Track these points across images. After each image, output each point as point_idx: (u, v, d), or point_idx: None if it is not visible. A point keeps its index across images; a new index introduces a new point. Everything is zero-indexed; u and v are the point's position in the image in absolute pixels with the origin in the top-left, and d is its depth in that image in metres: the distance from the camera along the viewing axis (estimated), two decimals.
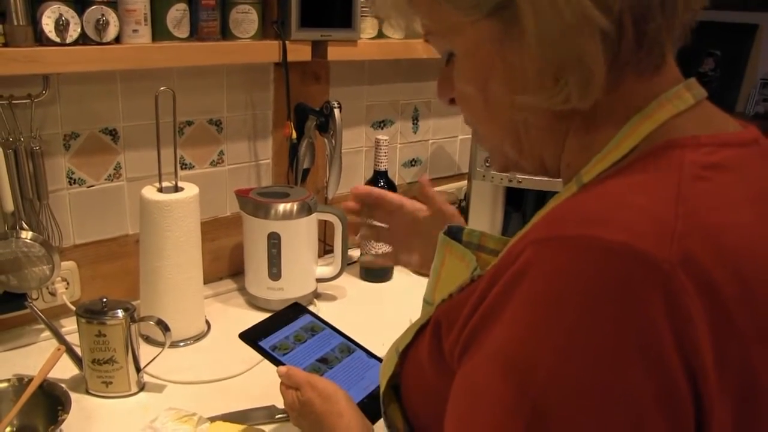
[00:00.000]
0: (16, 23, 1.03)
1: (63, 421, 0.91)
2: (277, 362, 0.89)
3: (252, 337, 0.93)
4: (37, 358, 1.08)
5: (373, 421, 0.78)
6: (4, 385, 0.97)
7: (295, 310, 1.02)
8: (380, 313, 1.37)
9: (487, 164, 1.51)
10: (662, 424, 0.42)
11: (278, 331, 0.96)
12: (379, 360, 0.95)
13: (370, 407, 0.80)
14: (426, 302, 0.74)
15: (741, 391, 0.45)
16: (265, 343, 0.93)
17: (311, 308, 1.39)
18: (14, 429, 0.96)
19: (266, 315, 1.01)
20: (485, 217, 1.60)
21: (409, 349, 0.65)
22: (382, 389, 0.67)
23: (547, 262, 0.45)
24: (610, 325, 0.42)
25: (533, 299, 0.45)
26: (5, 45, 1.04)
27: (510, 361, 0.45)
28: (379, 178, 1.51)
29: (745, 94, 2.76)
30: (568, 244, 0.45)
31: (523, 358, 0.44)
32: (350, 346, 0.97)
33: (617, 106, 0.53)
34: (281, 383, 0.84)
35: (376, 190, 0.95)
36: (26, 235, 1.14)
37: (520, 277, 0.46)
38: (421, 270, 0.95)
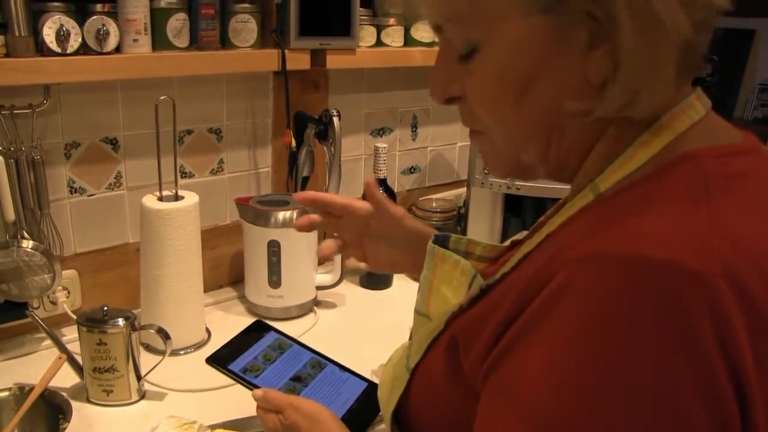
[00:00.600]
0: (17, 34, 1.04)
1: (64, 429, 0.92)
2: (250, 385, 0.87)
3: (220, 361, 0.90)
4: (38, 366, 1.09)
5: None
6: (5, 394, 0.98)
7: (259, 327, 1.00)
8: (380, 321, 1.37)
9: (486, 171, 1.52)
10: (708, 426, 0.42)
11: (245, 352, 0.93)
12: (351, 372, 0.94)
13: (352, 423, 0.79)
14: (419, 313, 0.73)
15: None
16: (235, 366, 0.90)
17: (308, 317, 1.40)
18: None
19: (234, 335, 0.99)
20: (484, 224, 1.61)
21: (418, 365, 0.63)
22: (391, 407, 0.65)
23: (589, 280, 0.45)
24: (659, 344, 0.42)
25: (579, 319, 0.45)
26: (7, 55, 1.05)
27: (554, 380, 0.45)
28: (378, 185, 1.51)
29: (744, 99, 2.77)
30: (612, 262, 0.44)
31: (568, 378, 0.44)
32: (321, 361, 0.95)
33: None
34: (257, 407, 0.81)
35: (320, 196, 0.90)
36: (27, 244, 1.15)
37: (559, 297, 0.46)
38: (374, 269, 0.92)
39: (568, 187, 0.61)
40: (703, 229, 0.45)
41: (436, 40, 0.60)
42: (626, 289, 0.43)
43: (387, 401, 0.66)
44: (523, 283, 0.50)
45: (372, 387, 0.91)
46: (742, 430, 0.44)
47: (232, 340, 0.95)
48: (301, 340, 1.27)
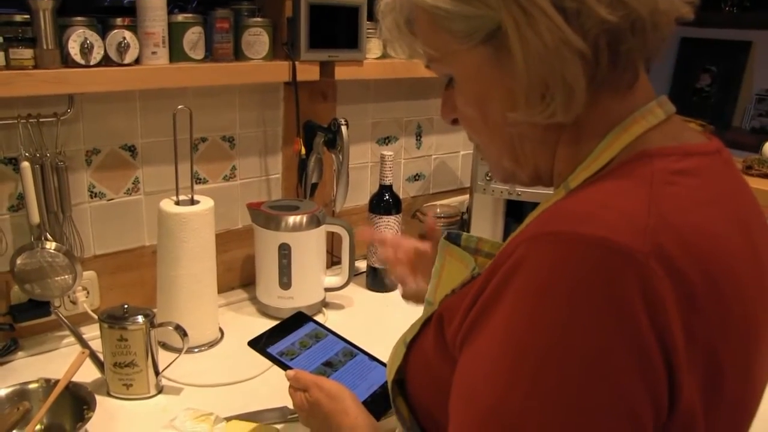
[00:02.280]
0: (45, 47, 1.10)
1: (89, 419, 0.96)
2: (285, 366, 0.94)
3: (260, 344, 0.98)
4: (60, 362, 1.14)
5: (378, 418, 0.83)
6: (34, 386, 1.03)
7: (300, 318, 1.06)
8: (386, 321, 1.42)
9: (488, 178, 1.58)
10: (642, 393, 0.48)
11: (285, 338, 1.01)
12: (380, 362, 1.00)
13: (374, 405, 0.86)
14: (428, 302, 0.80)
15: (706, 371, 0.51)
16: (273, 350, 0.98)
17: (317, 317, 1.45)
18: (43, 427, 1.01)
19: (277, 323, 1.05)
20: (487, 228, 1.66)
21: (414, 341, 0.71)
22: (390, 379, 0.73)
23: (538, 255, 0.52)
24: (593, 309, 0.48)
25: (528, 287, 0.52)
26: (35, 67, 1.11)
27: (510, 341, 0.52)
28: (384, 191, 1.57)
29: (741, 108, 2.82)
30: (555, 239, 0.51)
31: (521, 338, 0.51)
32: (352, 350, 1.02)
33: (598, 121, 0.60)
34: (290, 386, 0.89)
35: (375, 237, 1.02)
36: (50, 245, 1.21)
37: (515, 270, 0.53)
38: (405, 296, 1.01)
39: None
40: (640, 214, 0.52)
41: None
42: (566, 262, 0.50)
43: (389, 372, 0.74)
44: (493, 263, 0.58)
45: None
46: (668, 395, 0.50)
47: (273, 327, 1.02)
48: None
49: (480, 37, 0.59)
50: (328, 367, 0.97)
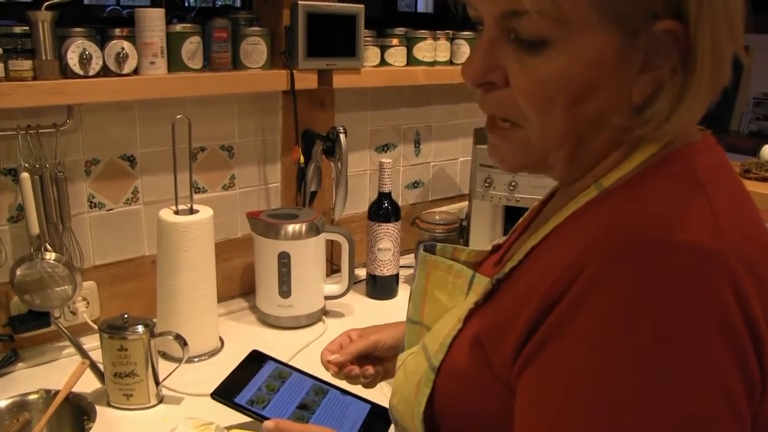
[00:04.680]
0: (44, 58, 1.11)
1: (90, 429, 0.97)
2: (260, 417, 0.87)
3: (225, 394, 0.91)
4: (59, 373, 1.14)
5: None
6: (34, 397, 1.04)
7: (257, 358, 1.00)
8: None
9: (487, 184, 1.58)
10: (743, 392, 0.48)
11: (249, 383, 0.94)
12: (353, 396, 0.95)
13: None
14: (412, 322, 0.76)
15: None
16: (241, 399, 0.91)
17: (317, 326, 1.45)
18: None
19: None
20: (486, 235, 1.66)
21: (442, 363, 0.65)
22: (421, 408, 0.66)
23: (623, 269, 0.49)
24: (695, 316, 0.48)
25: (618, 303, 0.49)
26: (35, 78, 1.11)
27: (605, 362, 0.49)
28: (383, 199, 1.57)
29: (739, 112, 2.83)
30: (639, 250, 0.49)
31: (619, 357, 0.48)
32: (322, 386, 0.96)
33: None
34: None
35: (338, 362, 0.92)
36: (50, 256, 1.21)
37: (594, 286, 0.50)
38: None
39: None
40: (707, 213, 0.51)
41: (480, 30, 0.59)
42: (658, 273, 0.48)
43: (412, 404, 0.67)
44: (549, 277, 0.53)
45: (375, 408, 0.94)
46: (761, 384, 0.50)
47: (233, 372, 0.96)
48: (311, 348, 1.34)
49: (629, 27, 0.52)
50: (304, 410, 0.91)
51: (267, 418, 0.84)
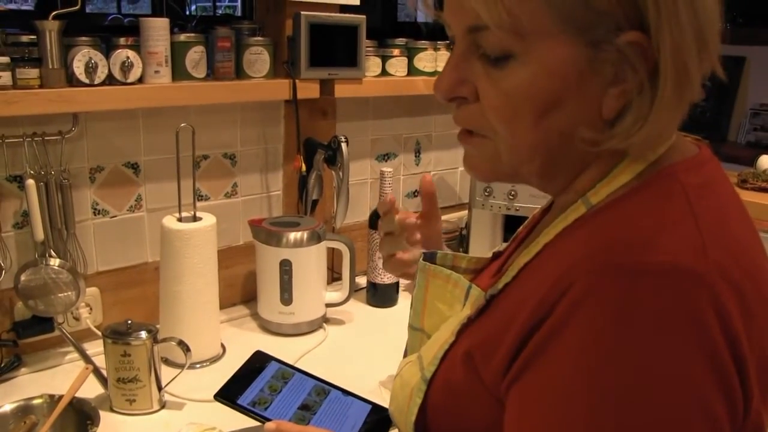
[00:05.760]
0: (51, 66, 1.13)
1: None
2: (261, 419, 0.87)
3: (228, 396, 0.91)
4: (62, 378, 1.15)
5: None
6: (38, 401, 1.04)
7: (260, 359, 1.00)
8: (386, 336, 1.42)
9: (487, 193, 1.59)
10: (725, 412, 0.49)
11: (251, 384, 0.94)
12: (355, 396, 0.96)
13: None
14: (413, 328, 0.77)
15: (761, 370, 0.52)
16: (243, 401, 0.91)
17: (317, 333, 1.46)
18: None
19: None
20: (485, 243, 1.67)
21: (434, 375, 0.66)
22: (412, 417, 0.67)
23: (606, 289, 0.50)
24: (675, 336, 0.48)
25: (600, 323, 0.49)
26: (41, 86, 1.13)
27: (587, 379, 0.50)
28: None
29: (736, 123, 2.85)
30: (622, 271, 0.50)
31: (599, 375, 0.49)
32: (324, 387, 0.96)
33: None
34: None
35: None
36: (54, 262, 1.22)
37: (578, 306, 0.50)
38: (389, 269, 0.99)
39: None
40: (692, 232, 0.51)
41: (456, 42, 0.60)
42: (640, 294, 0.49)
43: (405, 413, 0.69)
44: (538, 294, 0.54)
45: (376, 409, 0.95)
46: (743, 406, 0.50)
47: (236, 373, 0.96)
48: (312, 354, 1.35)
49: (592, 38, 0.52)
50: (306, 410, 0.91)
51: (269, 420, 0.85)
